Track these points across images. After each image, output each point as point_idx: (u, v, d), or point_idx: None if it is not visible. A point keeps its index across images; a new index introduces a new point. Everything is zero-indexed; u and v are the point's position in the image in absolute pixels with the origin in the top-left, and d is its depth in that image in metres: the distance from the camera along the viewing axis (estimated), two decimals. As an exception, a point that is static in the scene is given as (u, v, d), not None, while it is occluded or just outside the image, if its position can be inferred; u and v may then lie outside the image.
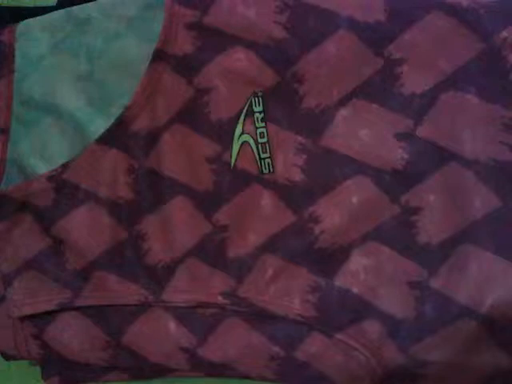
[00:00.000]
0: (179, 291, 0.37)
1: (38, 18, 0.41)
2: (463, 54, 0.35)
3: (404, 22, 0.36)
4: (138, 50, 0.38)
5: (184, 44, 0.37)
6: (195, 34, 0.37)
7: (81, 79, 0.39)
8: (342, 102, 0.36)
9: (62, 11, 0.41)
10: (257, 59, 0.37)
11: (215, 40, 0.37)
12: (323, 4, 0.36)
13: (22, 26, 0.41)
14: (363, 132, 0.36)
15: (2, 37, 0.40)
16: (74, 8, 0.40)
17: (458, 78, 0.35)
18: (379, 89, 0.36)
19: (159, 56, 0.37)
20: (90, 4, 0.40)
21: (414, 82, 0.35)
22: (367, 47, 0.36)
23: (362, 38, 0.36)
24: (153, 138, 0.38)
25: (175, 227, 0.37)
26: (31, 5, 0.44)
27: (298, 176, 0.36)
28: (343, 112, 0.36)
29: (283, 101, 0.37)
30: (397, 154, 0.35)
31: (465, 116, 0.35)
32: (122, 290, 0.37)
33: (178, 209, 0.37)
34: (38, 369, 0.41)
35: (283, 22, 0.36)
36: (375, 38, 0.36)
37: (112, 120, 0.38)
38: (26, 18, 0.41)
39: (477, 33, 0.35)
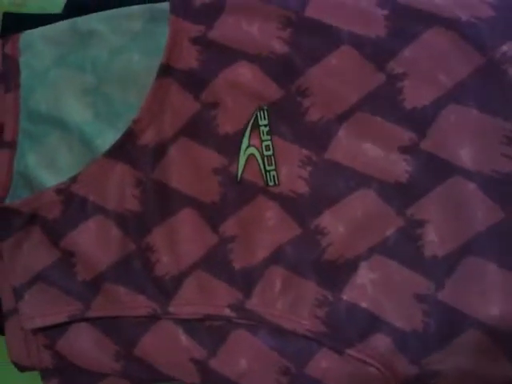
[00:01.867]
0: (186, 303, 0.37)
1: (41, 28, 0.41)
2: (463, 68, 0.35)
3: (405, 38, 0.36)
4: (143, 63, 0.39)
5: (189, 59, 0.38)
6: (200, 49, 0.38)
7: (87, 93, 0.39)
8: (346, 115, 0.36)
9: (65, 23, 0.41)
10: (261, 73, 0.37)
11: (220, 54, 0.38)
12: (325, 19, 0.37)
13: (26, 37, 0.41)
14: (367, 145, 0.36)
15: (7, 50, 0.40)
16: (78, 20, 0.40)
17: (458, 92, 0.35)
18: (382, 103, 0.36)
19: (165, 71, 0.38)
20: (94, 16, 0.40)
21: (416, 96, 0.36)
22: (369, 62, 0.36)
23: (364, 54, 0.36)
24: (160, 151, 0.38)
25: (182, 239, 0.38)
26: (38, 12, 0.43)
27: (302, 188, 0.37)
28: (347, 125, 0.36)
29: (288, 114, 0.37)
30: (400, 167, 0.36)
31: (466, 129, 0.35)
32: (131, 302, 0.38)
33: (185, 221, 0.38)
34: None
35: (285, 38, 0.37)
36: (377, 53, 0.36)
37: (119, 134, 0.38)
38: (32, 26, 0.41)
39: (476, 47, 0.35)
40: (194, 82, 0.38)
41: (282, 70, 0.37)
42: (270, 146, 0.37)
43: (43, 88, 0.40)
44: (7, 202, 0.39)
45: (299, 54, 0.37)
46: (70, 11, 0.42)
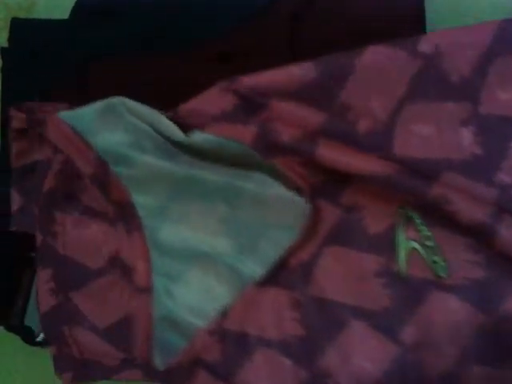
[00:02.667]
0: None
1: (142, 167, 0.38)
2: None
3: (502, 148, 0.33)
4: (267, 192, 0.37)
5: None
6: None
7: (222, 221, 0.37)
8: (495, 215, 0.33)
9: (165, 161, 0.38)
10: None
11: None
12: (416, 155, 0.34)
13: (132, 182, 0.38)
14: None
15: (114, 196, 0.38)
16: (177, 165, 0.38)
17: None
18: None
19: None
20: (185, 159, 0.38)
21: None
22: (475, 183, 0.33)
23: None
24: (309, 265, 0.36)
25: (359, 356, 0.34)
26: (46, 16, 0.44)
27: (478, 273, 0.34)
28: (501, 227, 0.32)
29: (436, 215, 0.34)
30: None
31: None
32: None
33: (358, 335, 0.35)
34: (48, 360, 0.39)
35: None
36: (480, 195, 0.33)
37: (263, 259, 0.36)
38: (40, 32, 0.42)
39: None
40: (331, 193, 0.36)
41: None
42: (431, 236, 0.34)
43: (169, 225, 0.38)
44: (157, 356, 0.37)
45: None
46: (78, 15, 0.42)
